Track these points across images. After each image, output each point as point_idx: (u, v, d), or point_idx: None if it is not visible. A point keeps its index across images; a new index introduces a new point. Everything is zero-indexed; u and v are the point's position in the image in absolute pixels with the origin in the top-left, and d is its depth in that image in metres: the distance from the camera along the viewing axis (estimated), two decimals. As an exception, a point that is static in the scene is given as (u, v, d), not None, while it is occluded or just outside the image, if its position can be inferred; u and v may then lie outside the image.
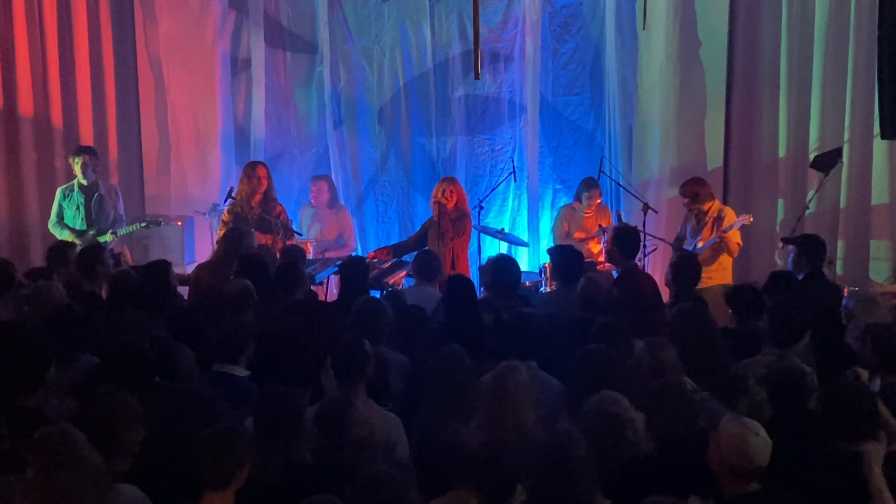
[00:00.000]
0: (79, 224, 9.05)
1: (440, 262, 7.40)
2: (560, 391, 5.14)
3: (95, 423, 4.10)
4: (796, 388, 4.72)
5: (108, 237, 8.94)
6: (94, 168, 9.12)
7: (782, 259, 8.91)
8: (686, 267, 6.82)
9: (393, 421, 4.81)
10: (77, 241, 8.60)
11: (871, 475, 4.16)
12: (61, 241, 8.22)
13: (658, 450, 4.29)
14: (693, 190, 8.58)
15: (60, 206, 9.10)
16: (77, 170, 9.04)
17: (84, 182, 9.04)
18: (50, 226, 9.17)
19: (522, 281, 8.55)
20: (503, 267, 6.73)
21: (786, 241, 7.81)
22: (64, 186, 9.23)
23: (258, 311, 6.24)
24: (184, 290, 7.67)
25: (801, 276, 6.95)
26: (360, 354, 4.94)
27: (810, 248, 6.98)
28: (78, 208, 9.05)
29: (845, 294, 6.31)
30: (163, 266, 6.59)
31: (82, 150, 9.15)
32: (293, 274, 6.68)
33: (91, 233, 8.95)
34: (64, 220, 9.08)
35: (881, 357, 5.11)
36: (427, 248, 8.62)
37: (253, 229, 8.47)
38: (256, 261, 6.93)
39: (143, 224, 9.24)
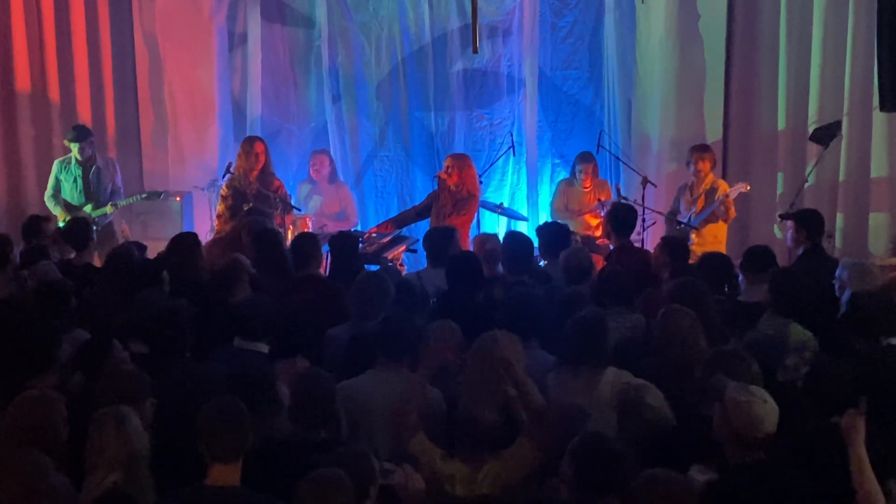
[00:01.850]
0: (76, 197, 9.05)
1: (455, 241, 7.18)
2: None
3: (107, 401, 4.10)
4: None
5: (107, 209, 8.94)
6: (90, 146, 9.10)
7: (783, 233, 8.94)
8: (676, 244, 6.81)
9: (436, 396, 4.83)
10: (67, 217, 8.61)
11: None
12: (33, 215, 8.18)
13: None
14: (713, 156, 8.79)
15: (57, 179, 9.10)
16: (74, 152, 9.03)
17: (80, 157, 9.04)
18: (46, 198, 9.16)
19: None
20: (517, 243, 6.74)
21: (783, 216, 7.82)
22: (61, 159, 9.21)
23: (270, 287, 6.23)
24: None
25: (800, 251, 6.95)
26: (410, 331, 4.99)
27: (808, 223, 6.97)
28: (75, 181, 9.05)
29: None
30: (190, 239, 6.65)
31: (79, 136, 9.07)
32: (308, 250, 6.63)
33: (87, 208, 8.93)
34: (61, 192, 9.08)
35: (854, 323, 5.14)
36: (429, 220, 8.63)
37: (251, 203, 8.49)
38: (271, 238, 6.89)
39: (144, 196, 9.23)
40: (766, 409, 3.86)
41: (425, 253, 7.09)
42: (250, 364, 4.62)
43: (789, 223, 7.20)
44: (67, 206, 9.02)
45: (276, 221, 8.53)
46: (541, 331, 5.37)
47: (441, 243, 6.91)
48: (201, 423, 3.82)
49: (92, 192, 9.05)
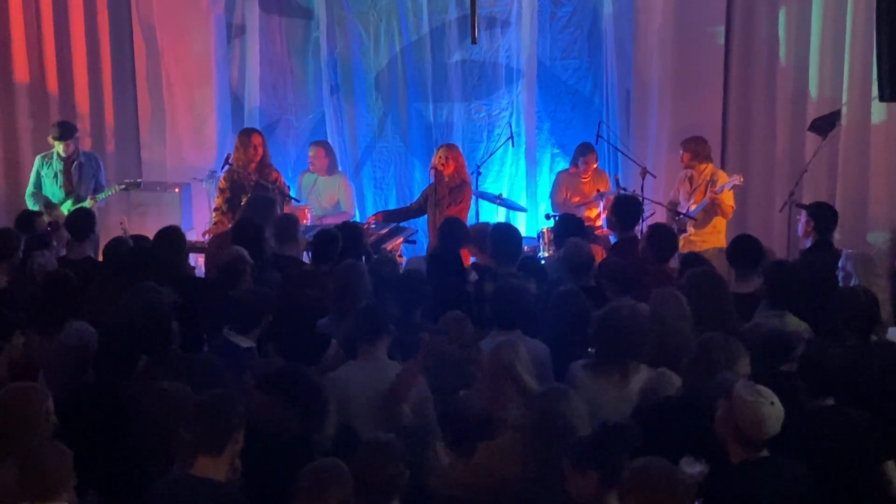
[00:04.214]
0: (57, 192, 8.97)
1: (466, 231, 7.27)
2: (545, 356, 5.17)
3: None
4: (781, 351, 4.79)
5: (87, 203, 8.78)
6: (74, 142, 9.05)
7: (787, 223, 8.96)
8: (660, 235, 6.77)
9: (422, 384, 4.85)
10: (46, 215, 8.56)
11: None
12: (26, 209, 8.14)
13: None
14: (695, 147, 8.73)
15: (39, 175, 9.01)
16: (59, 149, 8.95)
17: (63, 154, 8.97)
18: (27, 196, 9.04)
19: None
20: (504, 234, 6.73)
21: (799, 205, 7.81)
22: (44, 154, 9.13)
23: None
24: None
25: (808, 243, 6.95)
26: (381, 313, 5.03)
27: (819, 215, 6.96)
28: (56, 176, 8.95)
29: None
30: (175, 232, 6.63)
31: (65, 134, 8.97)
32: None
33: (65, 206, 8.82)
34: (42, 189, 8.98)
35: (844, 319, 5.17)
36: (426, 215, 8.66)
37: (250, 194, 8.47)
38: (250, 228, 6.86)
39: (122, 186, 9.13)
40: (773, 411, 3.84)
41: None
42: (300, 371, 4.57)
43: (802, 213, 7.19)
44: (47, 204, 8.89)
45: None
46: (526, 322, 5.38)
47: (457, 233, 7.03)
48: (190, 413, 3.85)
49: (73, 187, 8.98)
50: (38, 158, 9.13)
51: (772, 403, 3.85)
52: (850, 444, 4.22)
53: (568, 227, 7.05)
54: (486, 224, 7.67)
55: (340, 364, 5.09)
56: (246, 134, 8.95)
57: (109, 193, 9.15)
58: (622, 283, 5.84)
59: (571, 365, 4.95)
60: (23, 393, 4.11)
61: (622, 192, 8.61)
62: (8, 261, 6.66)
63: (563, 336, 5.27)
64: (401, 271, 6.52)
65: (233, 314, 5.31)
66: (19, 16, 10.01)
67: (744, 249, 6.28)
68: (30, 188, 9.06)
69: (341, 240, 6.67)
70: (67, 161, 8.98)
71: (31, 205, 8.93)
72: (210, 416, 3.82)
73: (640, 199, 8.65)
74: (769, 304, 5.59)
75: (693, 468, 3.89)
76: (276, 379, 4.32)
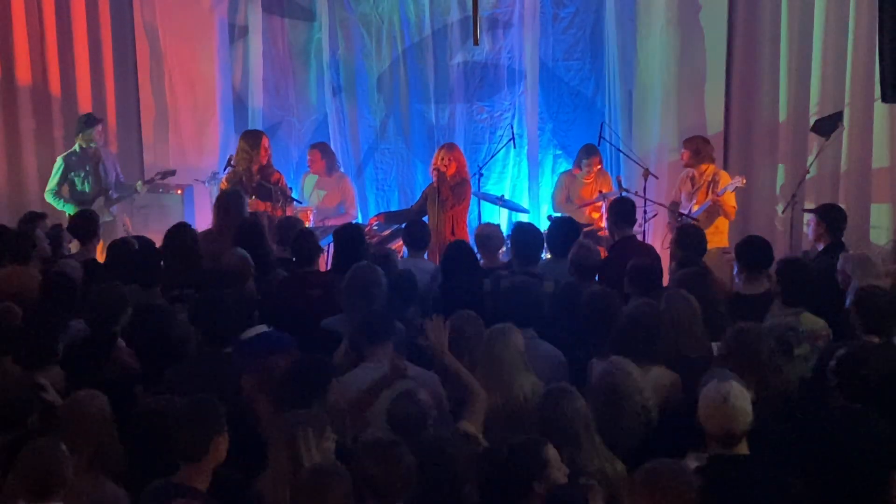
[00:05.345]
0: (88, 191, 8.98)
1: (429, 232, 7.38)
2: (559, 361, 5.18)
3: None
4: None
5: (138, 186, 8.96)
6: (101, 133, 9.13)
7: (783, 225, 8.95)
8: (691, 236, 6.73)
9: (432, 378, 4.89)
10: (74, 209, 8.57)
11: None
12: (30, 211, 8.13)
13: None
14: (697, 146, 8.75)
15: (66, 177, 8.95)
16: (91, 139, 8.95)
17: (93, 146, 8.96)
18: (48, 195, 9.02)
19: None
20: (526, 234, 6.73)
21: (806, 210, 7.80)
22: (66, 154, 9.11)
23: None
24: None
25: (820, 247, 6.91)
26: (386, 317, 5.10)
27: (829, 217, 6.93)
28: (87, 176, 8.94)
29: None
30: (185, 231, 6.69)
31: (92, 122, 9.03)
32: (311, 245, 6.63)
33: (100, 198, 8.86)
34: (76, 187, 8.95)
35: (862, 318, 5.10)
36: (426, 216, 8.66)
37: (253, 196, 8.48)
38: (253, 229, 6.88)
39: (159, 176, 9.16)
40: (727, 409, 3.84)
41: (405, 242, 7.21)
42: (311, 361, 4.64)
43: (811, 217, 7.17)
44: (79, 201, 8.86)
45: (277, 213, 8.52)
46: (540, 321, 5.38)
47: (421, 234, 7.12)
48: (170, 422, 3.89)
49: (102, 184, 8.99)
50: (60, 159, 9.07)
51: (725, 401, 3.83)
52: (866, 448, 4.16)
53: (565, 230, 6.97)
54: (489, 224, 7.65)
55: (349, 362, 5.12)
56: (254, 136, 8.91)
57: (145, 187, 9.15)
58: (645, 285, 5.79)
59: (591, 362, 5.00)
60: (91, 396, 4.14)
61: (624, 193, 8.59)
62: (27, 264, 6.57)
63: (593, 336, 5.24)
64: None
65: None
66: (22, 17, 10.04)
67: (754, 251, 6.23)
68: (52, 186, 9.01)
69: (343, 241, 6.71)
70: (94, 158, 8.96)
71: (55, 202, 8.97)
72: (188, 424, 3.85)
73: (643, 200, 8.68)
74: (783, 302, 5.57)
75: (696, 462, 3.91)
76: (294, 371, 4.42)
